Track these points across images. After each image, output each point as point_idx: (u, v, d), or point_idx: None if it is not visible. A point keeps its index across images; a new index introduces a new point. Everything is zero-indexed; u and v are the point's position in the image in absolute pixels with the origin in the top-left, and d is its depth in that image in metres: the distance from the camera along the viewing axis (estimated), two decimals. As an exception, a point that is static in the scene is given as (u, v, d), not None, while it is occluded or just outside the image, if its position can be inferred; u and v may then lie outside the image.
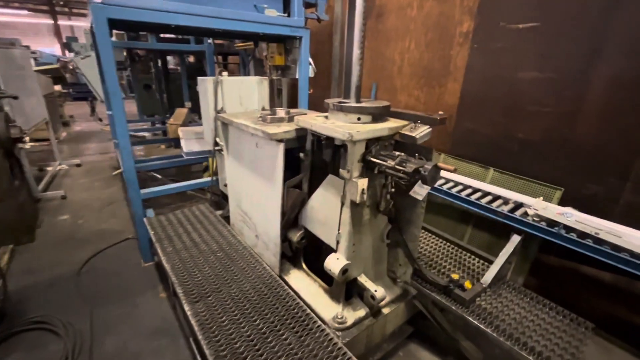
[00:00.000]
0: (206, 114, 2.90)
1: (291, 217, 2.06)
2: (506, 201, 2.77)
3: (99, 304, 2.54)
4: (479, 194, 2.90)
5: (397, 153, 1.57)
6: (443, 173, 3.18)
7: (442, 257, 2.51)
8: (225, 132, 2.44)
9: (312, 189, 1.98)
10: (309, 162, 1.95)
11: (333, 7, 4.83)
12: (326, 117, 1.80)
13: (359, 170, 1.64)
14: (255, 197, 2.23)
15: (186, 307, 1.84)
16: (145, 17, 2.37)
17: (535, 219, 2.42)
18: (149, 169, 3.82)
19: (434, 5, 3.42)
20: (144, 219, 2.83)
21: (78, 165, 5.72)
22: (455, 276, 2.07)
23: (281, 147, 1.83)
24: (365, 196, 1.62)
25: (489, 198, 2.83)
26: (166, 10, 2.43)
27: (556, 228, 2.26)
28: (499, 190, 2.82)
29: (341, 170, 1.64)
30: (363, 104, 1.70)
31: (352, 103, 1.72)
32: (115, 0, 2.29)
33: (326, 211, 1.85)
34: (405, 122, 1.75)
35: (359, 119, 1.67)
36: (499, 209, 2.59)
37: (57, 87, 8.24)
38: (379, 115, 1.77)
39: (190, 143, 3.79)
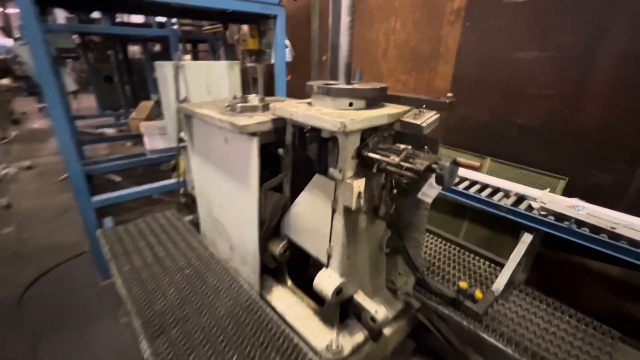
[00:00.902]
0: (167, 105, 2.50)
1: (272, 225, 1.72)
2: (507, 194, 2.55)
3: (44, 337, 2.12)
4: (477, 187, 2.66)
5: (402, 146, 1.26)
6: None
7: (443, 260, 2.26)
8: (189, 126, 2.05)
9: (295, 192, 1.64)
10: (290, 160, 1.61)
11: (309, -14, 4.43)
12: (309, 103, 1.46)
13: (353, 169, 1.31)
14: (228, 203, 1.87)
15: (143, 346, 1.47)
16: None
17: (542, 212, 2.20)
18: (106, 170, 3.32)
19: (422, -21, 3.11)
20: (98, 232, 2.40)
21: (29, 167, 5.09)
22: (463, 285, 1.81)
23: (255, 142, 1.48)
24: (362, 201, 1.30)
25: (488, 191, 2.59)
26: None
27: (566, 223, 2.04)
28: (499, 181, 2.59)
29: (331, 170, 1.31)
30: (356, 86, 1.37)
31: (342, 85, 1.39)
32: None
33: (313, 219, 1.53)
34: (406, 108, 1.44)
35: (350, 104, 1.34)
36: (501, 203, 2.36)
37: (4, 81, 7.38)
38: (374, 100, 1.45)
39: (154, 139, 3.34)
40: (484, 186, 2.67)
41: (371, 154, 1.28)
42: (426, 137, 1.40)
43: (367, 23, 3.78)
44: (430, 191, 1.22)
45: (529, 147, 2.64)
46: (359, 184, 1.28)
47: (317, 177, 1.46)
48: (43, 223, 3.54)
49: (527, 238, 2.06)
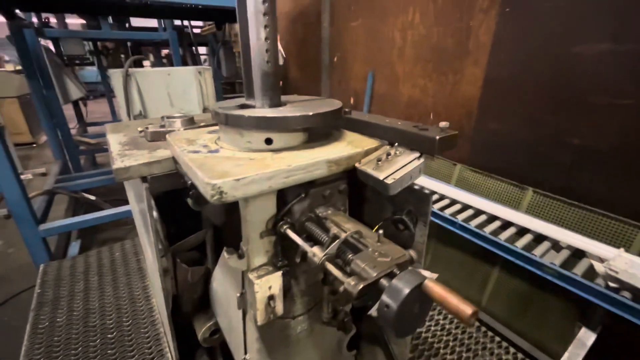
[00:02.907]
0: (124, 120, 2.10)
1: (191, 298, 1.22)
2: (556, 245, 1.83)
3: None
4: (512, 230, 1.97)
5: (346, 224, 0.70)
6: (457, 194, 2.25)
7: (452, 346, 1.61)
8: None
9: (219, 257, 1.13)
10: (207, 214, 1.10)
11: (320, -21, 3.89)
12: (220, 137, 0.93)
13: (265, 254, 0.77)
14: (147, 260, 1.41)
15: None
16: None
17: (611, 284, 1.48)
18: (77, 188, 3.02)
19: (446, -43, 2.44)
20: (41, 267, 2.08)
21: (43, 174, 5.10)
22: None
23: (144, 190, 0.98)
24: (278, 306, 0.76)
25: (528, 238, 1.89)
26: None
27: (654, 308, 1.32)
28: (543, 225, 1.88)
29: (228, 257, 0.78)
30: (280, 110, 0.82)
31: (259, 108, 0.84)
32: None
33: (228, 309, 1.01)
34: (372, 143, 0.86)
35: (268, 141, 0.79)
36: (545, 261, 1.66)
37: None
38: (321, 131, 0.89)
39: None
40: (522, 230, 1.97)
41: (290, 233, 0.73)
42: (411, 190, 0.82)
43: (381, 17, 3.16)
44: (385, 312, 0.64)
45: (592, 177, 1.89)
46: (271, 282, 0.74)
47: (225, 252, 0.93)
48: (31, 238, 3.37)
49: (587, 337, 1.35)
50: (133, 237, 2.42)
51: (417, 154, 0.79)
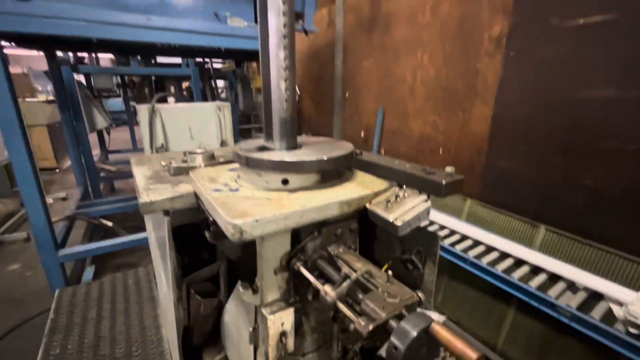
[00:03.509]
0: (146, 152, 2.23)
1: (201, 331, 1.24)
2: (571, 285, 1.79)
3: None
4: (525, 269, 1.94)
5: (357, 264, 0.73)
6: (468, 229, 2.24)
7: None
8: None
9: (232, 291, 1.16)
10: (223, 247, 1.15)
11: (334, 22, 4.16)
12: (240, 175, 1.00)
13: (279, 289, 0.81)
14: (161, 290, 1.45)
15: None
16: (44, 27, 1.76)
17: (632, 330, 1.43)
18: (96, 214, 3.13)
19: (453, 6, 2.61)
20: (57, 292, 2.13)
21: (64, 199, 5.30)
22: None
23: (166, 223, 1.04)
24: (290, 342, 0.78)
25: (542, 277, 1.85)
26: (75, 18, 1.82)
27: (679, 359, 1.26)
28: (559, 265, 1.84)
29: (243, 291, 0.81)
30: (296, 154, 0.89)
31: (277, 150, 0.92)
32: (9, 7, 1.71)
33: (239, 344, 1.02)
34: (382, 184, 0.91)
35: (285, 182, 0.85)
36: (561, 303, 1.62)
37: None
38: (332, 172, 0.95)
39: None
40: (536, 269, 1.93)
41: (303, 270, 0.77)
42: (419, 230, 0.85)
43: (392, 58, 3.34)
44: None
45: (606, 219, 1.87)
46: (284, 319, 0.76)
47: (240, 286, 0.96)
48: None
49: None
50: (147, 265, 2.47)
51: (424, 197, 0.84)
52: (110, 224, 2.89)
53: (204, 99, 4.70)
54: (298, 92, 3.38)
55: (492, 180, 2.45)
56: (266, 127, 0.94)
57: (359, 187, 0.89)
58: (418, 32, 2.97)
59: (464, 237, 2.26)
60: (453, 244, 2.19)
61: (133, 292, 2.15)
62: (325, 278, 0.78)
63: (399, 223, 0.76)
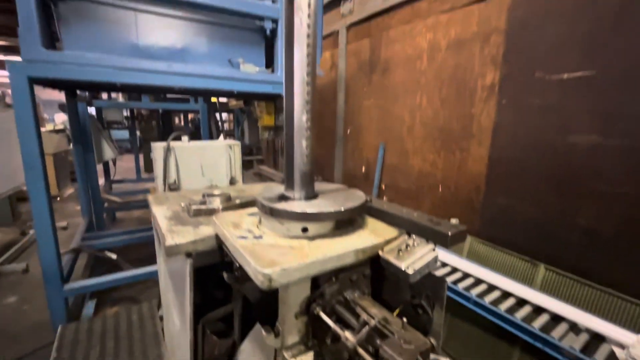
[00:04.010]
0: (159, 187, 2.31)
1: (215, 372, 1.26)
2: (573, 326, 1.82)
3: None
4: (528, 309, 1.97)
5: (372, 309, 0.79)
6: (469, 267, 2.29)
7: None
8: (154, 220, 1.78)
9: (246, 331, 1.20)
10: (239, 289, 1.20)
11: (337, 65, 4.44)
12: (260, 220, 1.09)
13: (298, 333, 0.86)
14: (173, 328, 1.48)
15: None
16: (75, 74, 1.91)
17: (634, 374, 1.45)
18: (100, 246, 3.16)
19: (448, 56, 2.83)
20: (59, 328, 2.11)
21: (64, 228, 5.29)
22: None
23: (188, 265, 1.11)
24: (309, 387, 0.82)
25: (544, 318, 1.88)
26: (104, 65, 1.98)
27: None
28: (561, 306, 1.88)
29: (266, 335, 0.87)
30: (315, 204, 0.98)
31: (296, 200, 1.01)
32: (43, 55, 1.87)
33: (255, 386, 1.05)
34: (392, 232, 0.99)
35: (304, 230, 0.93)
36: (564, 344, 1.64)
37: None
38: (347, 221, 1.03)
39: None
40: (537, 309, 1.96)
41: (323, 315, 0.83)
42: (428, 275, 0.92)
43: (391, 99, 3.54)
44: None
45: (602, 259, 1.94)
46: (303, 362, 0.81)
47: (258, 328, 1.01)
48: (46, 294, 3.41)
49: None
50: (150, 300, 2.47)
51: (432, 246, 0.92)
52: (114, 256, 2.91)
53: (209, 131, 4.87)
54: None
55: (490, 218, 2.54)
56: (287, 178, 1.03)
57: (372, 235, 0.97)
58: (416, 76, 3.19)
59: (465, 275, 2.30)
60: (455, 282, 2.22)
61: (137, 329, 2.14)
62: (342, 322, 0.84)
63: (410, 271, 0.83)
